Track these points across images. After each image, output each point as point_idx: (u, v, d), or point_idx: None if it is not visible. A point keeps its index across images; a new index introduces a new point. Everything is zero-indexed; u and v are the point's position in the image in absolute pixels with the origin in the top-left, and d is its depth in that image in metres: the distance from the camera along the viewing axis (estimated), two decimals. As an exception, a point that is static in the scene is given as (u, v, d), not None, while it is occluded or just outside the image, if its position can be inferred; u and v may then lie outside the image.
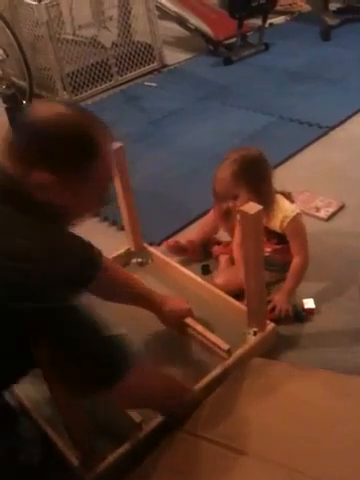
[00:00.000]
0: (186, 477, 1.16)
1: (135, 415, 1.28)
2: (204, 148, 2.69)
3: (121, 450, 1.25)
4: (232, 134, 2.79)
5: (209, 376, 1.39)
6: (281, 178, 1.79)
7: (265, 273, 1.53)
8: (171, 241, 1.99)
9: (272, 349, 1.56)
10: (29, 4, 3.29)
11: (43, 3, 3.24)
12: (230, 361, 1.44)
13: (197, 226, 2.07)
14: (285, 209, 1.68)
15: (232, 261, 1.87)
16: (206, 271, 1.90)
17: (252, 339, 1.51)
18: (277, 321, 1.62)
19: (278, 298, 1.68)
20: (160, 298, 1.53)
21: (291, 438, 1.18)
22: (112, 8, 4.01)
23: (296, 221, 1.68)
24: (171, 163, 2.63)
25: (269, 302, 1.66)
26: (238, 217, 1.31)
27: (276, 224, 1.69)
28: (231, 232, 1.86)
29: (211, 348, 1.50)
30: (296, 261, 1.69)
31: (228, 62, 3.78)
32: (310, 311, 1.69)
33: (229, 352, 1.45)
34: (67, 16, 4.23)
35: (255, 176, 1.63)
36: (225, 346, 1.45)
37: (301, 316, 1.68)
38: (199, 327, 1.53)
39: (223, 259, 1.90)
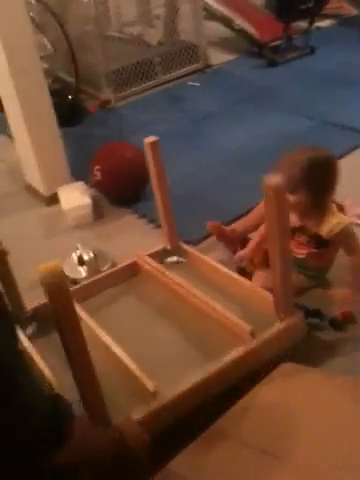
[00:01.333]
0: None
1: (149, 383, 1.30)
2: (243, 150, 2.70)
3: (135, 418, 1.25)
4: (272, 137, 2.78)
5: (230, 355, 1.39)
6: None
7: (300, 277, 1.54)
8: (215, 223, 2.01)
9: (308, 355, 1.55)
10: (79, 0, 3.36)
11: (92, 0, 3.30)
12: (254, 343, 1.42)
13: (243, 219, 2.07)
14: (339, 217, 1.67)
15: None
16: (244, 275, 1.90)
17: (277, 324, 1.49)
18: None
19: (342, 292, 1.67)
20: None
21: (325, 449, 1.18)
22: (159, 7, 4.07)
23: (349, 227, 1.68)
24: (209, 163, 2.65)
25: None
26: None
27: (324, 229, 1.68)
28: None
29: (233, 330, 1.49)
30: (353, 259, 1.69)
31: (272, 64, 3.77)
32: (348, 315, 1.69)
33: (252, 334, 1.44)
34: (114, 13, 4.32)
35: (321, 180, 1.62)
36: (248, 327, 1.44)
37: (339, 323, 1.67)
38: (218, 306, 1.53)
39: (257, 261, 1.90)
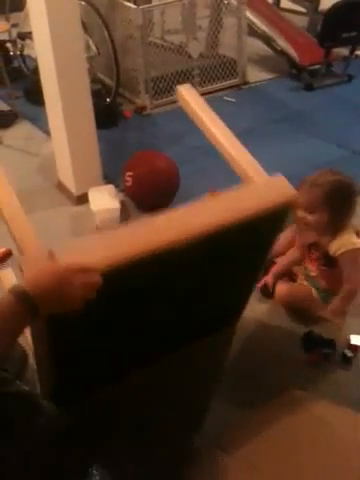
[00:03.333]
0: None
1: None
2: (272, 171, 2.72)
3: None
4: (302, 162, 2.81)
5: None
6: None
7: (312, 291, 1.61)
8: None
9: (316, 386, 1.58)
10: (127, 6, 3.42)
11: (141, 7, 3.35)
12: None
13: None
14: (348, 239, 1.74)
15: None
16: (266, 293, 1.93)
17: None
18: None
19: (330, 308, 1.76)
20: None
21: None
22: (203, 18, 4.12)
23: (354, 252, 1.73)
24: (238, 182, 2.67)
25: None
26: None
27: (332, 248, 1.75)
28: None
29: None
30: (346, 286, 1.77)
31: (309, 88, 3.80)
32: (356, 348, 1.71)
33: None
34: (158, 20, 4.37)
35: (341, 204, 1.69)
36: None
37: (348, 358, 1.70)
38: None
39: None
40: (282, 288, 1.90)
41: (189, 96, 1.46)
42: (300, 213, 1.71)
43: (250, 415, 1.43)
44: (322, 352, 1.69)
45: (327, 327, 1.81)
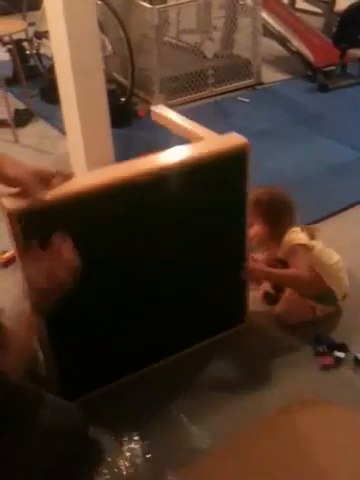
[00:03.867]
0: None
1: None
2: (286, 174, 2.72)
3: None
4: (316, 164, 2.81)
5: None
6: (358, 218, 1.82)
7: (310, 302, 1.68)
8: None
9: (328, 390, 1.58)
10: (143, 6, 3.43)
11: (156, 7, 3.36)
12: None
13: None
14: (287, 239, 1.79)
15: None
16: (270, 299, 1.93)
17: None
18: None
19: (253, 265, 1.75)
20: None
21: None
22: (219, 18, 4.12)
23: (294, 248, 1.76)
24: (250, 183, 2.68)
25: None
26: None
27: (279, 253, 1.81)
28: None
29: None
30: (295, 269, 1.75)
31: (323, 89, 3.79)
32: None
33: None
34: (173, 20, 4.38)
35: (272, 211, 1.79)
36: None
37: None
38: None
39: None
40: (286, 302, 1.86)
41: (163, 111, 1.85)
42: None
43: (262, 420, 1.43)
44: (334, 356, 1.69)
45: (339, 330, 1.80)
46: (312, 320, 1.82)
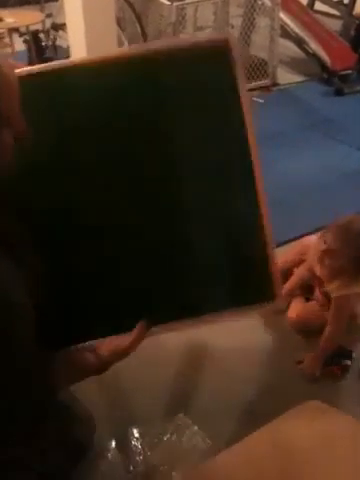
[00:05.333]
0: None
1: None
2: (300, 178, 2.71)
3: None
4: (330, 169, 2.79)
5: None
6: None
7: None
8: None
9: (332, 399, 1.57)
10: (161, 2, 3.42)
11: (175, 4, 3.34)
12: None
13: (283, 252, 2.05)
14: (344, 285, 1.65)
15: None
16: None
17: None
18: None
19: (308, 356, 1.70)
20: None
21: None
22: (236, 17, 4.09)
23: (340, 299, 1.67)
24: (265, 186, 2.66)
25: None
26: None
27: (331, 286, 1.69)
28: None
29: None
30: (329, 328, 1.70)
31: (339, 93, 3.76)
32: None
33: None
34: (190, 17, 4.36)
35: None
36: None
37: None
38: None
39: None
40: (293, 311, 1.86)
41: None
42: (322, 246, 1.63)
43: (267, 426, 1.42)
44: (342, 363, 1.67)
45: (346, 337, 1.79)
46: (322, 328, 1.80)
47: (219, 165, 1.10)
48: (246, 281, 1.11)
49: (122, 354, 1.02)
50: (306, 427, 1.37)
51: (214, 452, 1.40)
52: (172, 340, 1.75)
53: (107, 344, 1.03)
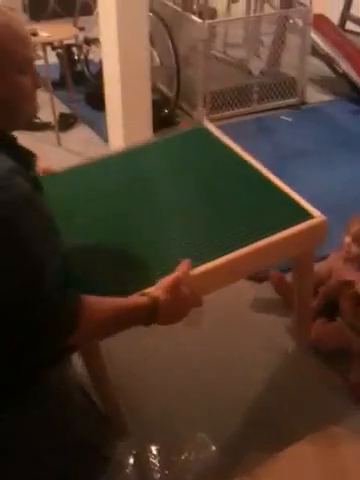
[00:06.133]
0: None
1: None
2: (330, 196, 2.68)
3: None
4: (358, 187, 2.76)
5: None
6: None
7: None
8: (278, 273, 2.02)
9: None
10: (193, 20, 3.45)
11: (206, 22, 3.37)
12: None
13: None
14: None
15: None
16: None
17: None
18: None
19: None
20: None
21: None
22: (267, 34, 4.11)
23: None
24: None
25: None
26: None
27: None
28: None
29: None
30: None
31: (369, 113, 3.74)
32: None
33: None
34: (221, 34, 4.40)
35: None
36: None
37: None
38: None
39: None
40: (314, 332, 1.81)
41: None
42: (348, 240, 1.69)
43: (282, 455, 1.40)
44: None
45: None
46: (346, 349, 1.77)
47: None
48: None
49: (170, 287, 1.02)
50: (326, 454, 1.35)
51: (231, 473, 1.38)
52: (194, 354, 1.74)
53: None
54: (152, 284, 1.05)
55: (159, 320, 1.01)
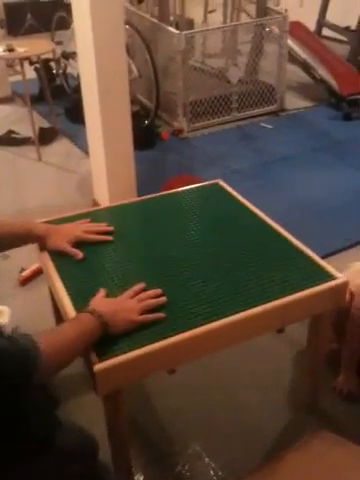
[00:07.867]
0: None
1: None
2: (312, 200, 2.70)
3: None
4: (340, 192, 2.79)
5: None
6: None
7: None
8: None
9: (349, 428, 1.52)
10: (170, 31, 3.46)
11: (183, 33, 3.39)
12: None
13: None
14: None
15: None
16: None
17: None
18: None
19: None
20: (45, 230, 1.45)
21: None
22: (244, 43, 4.14)
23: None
24: (277, 209, 2.64)
25: None
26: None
27: None
28: None
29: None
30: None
31: (347, 118, 3.77)
32: None
33: None
34: (199, 45, 4.42)
35: None
36: None
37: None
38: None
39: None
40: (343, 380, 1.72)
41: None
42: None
43: (276, 459, 1.38)
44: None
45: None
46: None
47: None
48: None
49: (98, 297, 1.24)
50: (315, 460, 1.33)
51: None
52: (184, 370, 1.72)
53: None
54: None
55: (108, 321, 1.14)
